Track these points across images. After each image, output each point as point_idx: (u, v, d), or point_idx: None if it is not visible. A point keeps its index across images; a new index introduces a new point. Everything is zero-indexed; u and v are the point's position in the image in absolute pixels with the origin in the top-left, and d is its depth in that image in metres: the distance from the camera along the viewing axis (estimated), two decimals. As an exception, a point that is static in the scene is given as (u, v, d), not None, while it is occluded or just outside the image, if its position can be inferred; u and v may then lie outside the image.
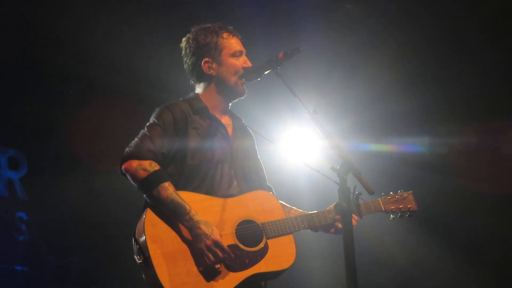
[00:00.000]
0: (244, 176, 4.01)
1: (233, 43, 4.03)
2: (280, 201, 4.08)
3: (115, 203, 7.06)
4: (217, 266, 3.61)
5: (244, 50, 4.05)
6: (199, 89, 4.10)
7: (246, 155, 4.08)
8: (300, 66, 6.68)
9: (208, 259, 3.59)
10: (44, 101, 7.25)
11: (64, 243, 7.27)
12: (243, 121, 4.19)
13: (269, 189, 4.15)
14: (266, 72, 3.84)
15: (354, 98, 7.49)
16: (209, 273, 3.61)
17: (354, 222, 3.57)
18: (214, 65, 4.01)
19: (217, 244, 3.58)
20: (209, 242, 3.57)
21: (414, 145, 7.64)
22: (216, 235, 3.59)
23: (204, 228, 3.59)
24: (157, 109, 3.94)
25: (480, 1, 6.61)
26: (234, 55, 4.01)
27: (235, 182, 3.93)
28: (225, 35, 4.03)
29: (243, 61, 4.01)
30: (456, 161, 7.33)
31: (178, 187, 3.74)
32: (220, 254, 3.59)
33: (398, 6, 6.82)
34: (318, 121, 3.39)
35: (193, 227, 3.60)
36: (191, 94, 4.10)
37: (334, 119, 7.21)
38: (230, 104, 4.12)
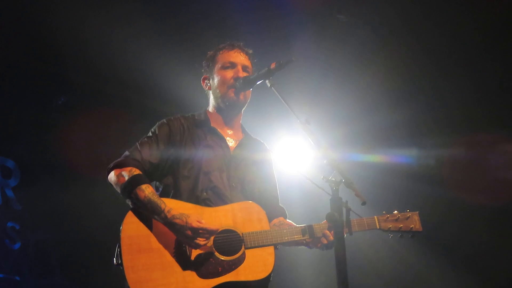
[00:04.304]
0: (243, 188, 4.05)
1: (225, 56, 4.16)
2: (288, 220, 4.13)
3: (108, 213, 7.03)
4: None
5: (237, 62, 4.13)
6: (208, 105, 4.26)
7: (248, 168, 4.12)
8: (292, 76, 6.70)
9: (196, 246, 3.64)
10: (38, 110, 7.23)
11: (49, 263, 7.25)
12: (254, 137, 4.29)
13: (280, 209, 4.21)
14: (258, 82, 3.89)
15: (345, 109, 7.51)
16: (181, 277, 3.63)
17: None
18: (209, 81, 4.21)
19: (195, 230, 3.62)
20: (188, 232, 3.62)
21: (403, 156, 7.67)
22: (191, 222, 3.62)
23: (179, 221, 3.63)
24: (157, 123, 4.10)
25: (469, 17, 6.66)
26: (224, 66, 4.13)
27: (229, 194, 3.97)
28: (221, 51, 4.20)
29: (233, 72, 4.08)
30: (445, 172, 7.36)
31: (172, 196, 3.88)
32: (205, 235, 3.64)
33: (389, 20, 6.87)
34: (310, 131, 3.41)
35: (169, 224, 3.66)
36: (201, 110, 4.25)
37: (326, 130, 7.22)
38: (237, 117, 4.21)
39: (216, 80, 4.13)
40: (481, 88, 7.15)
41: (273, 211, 4.11)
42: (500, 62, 6.94)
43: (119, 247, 3.66)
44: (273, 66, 3.73)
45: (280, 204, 4.25)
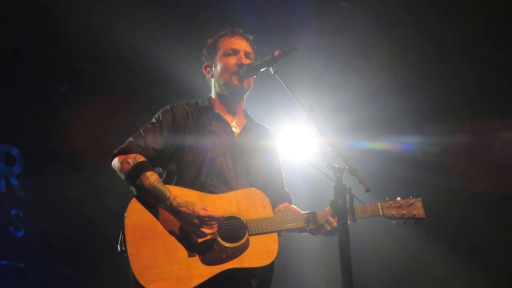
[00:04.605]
0: (248, 175, 4.05)
1: (227, 43, 4.14)
2: (293, 205, 4.15)
3: (112, 201, 7.05)
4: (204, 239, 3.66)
5: (240, 49, 4.11)
6: (211, 92, 4.24)
7: (253, 154, 4.11)
8: (296, 63, 6.69)
9: (202, 235, 3.64)
10: (41, 97, 7.23)
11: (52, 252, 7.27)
12: (258, 123, 4.28)
13: (286, 194, 4.22)
14: (262, 69, 3.88)
15: (349, 96, 7.50)
16: (185, 264, 3.64)
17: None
18: (212, 69, 4.18)
19: (202, 218, 3.62)
20: (195, 221, 3.62)
21: (407, 143, 7.66)
22: (198, 211, 3.62)
23: (185, 209, 3.64)
24: (160, 110, 4.08)
25: (472, 5, 6.64)
26: (226, 53, 4.11)
27: (234, 180, 3.96)
28: (223, 38, 4.17)
29: (236, 59, 4.07)
30: (449, 160, 7.36)
31: (175, 182, 3.87)
32: (212, 224, 3.64)
33: (393, 7, 6.85)
34: (314, 118, 3.41)
35: (174, 212, 3.66)
36: (204, 97, 4.23)
37: (330, 117, 7.22)
38: (240, 103, 4.20)
39: (218, 67, 4.11)
40: (485, 75, 7.14)
41: (278, 197, 4.13)
42: (503, 49, 6.92)
43: (123, 234, 3.66)
44: (277, 53, 3.71)
45: (285, 189, 4.26)
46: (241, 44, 4.12)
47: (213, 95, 4.21)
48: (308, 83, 7.14)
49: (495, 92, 7.23)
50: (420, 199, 4.08)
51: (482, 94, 7.28)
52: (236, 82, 4.04)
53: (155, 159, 3.93)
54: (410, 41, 7.13)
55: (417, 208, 4.04)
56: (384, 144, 7.69)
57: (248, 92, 4.16)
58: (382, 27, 7.06)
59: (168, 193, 3.68)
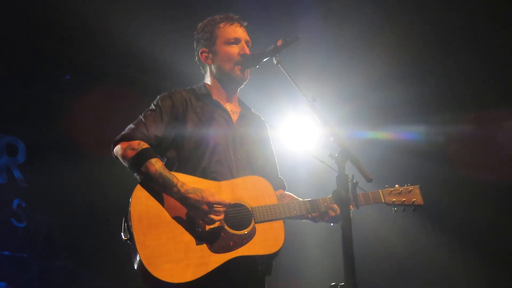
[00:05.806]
0: (249, 162, 4.04)
1: (228, 31, 4.10)
2: (288, 192, 4.15)
3: (113, 190, 7.06)
4: (215, 225, 3.62)
5: (241, 38, 4.10)
6: (205, 78, 4.20)
7: (252, 141, 4.11)
8: (298, 54, 6.66)
9: (211, 221, 3.60)
10: (43, 87, 7.21)
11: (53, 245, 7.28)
12: (252, 110, 4.26)
13: (280, 181, 4.21)
14: (264, 59, 3.86)
15: (352, 86, 7.47)
16: (193, 252, 3.60)
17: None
18: (210, 55, 4.13)
19: (211, 205, 3.59)
20: (204, 207, 3.58)
21: (411, 133, 7.64)
22: (207, 197, 3.59)
23: (193, 196, 3.60)
24: (158, 96, 4.04)
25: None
26: (228, 42, 4.08)
27: (235, 166, 3.95)
28: (222, 24, 4.13)
29: (238, 49, 4.06)
30: (454, 149, 7.34)
31: (176, 170, 3.82)
32: (220, 210, 3.61)
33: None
34: (317, 108, 3.38)
35: (182, 198, 3.62)
36: (199, 83, 4.19)
37: (333, 107, 7.19)
38: (237, 92, 4.18)
39: (220, 55, 4.08)
40: (490, 64, 7.09)
41: (274, 183, 4.09)
42: (509, 37, 6.87)
43: (129, 221, 3.60)
44: (279, 43, 3.70)
45: (279, 176, 4.25)
46: (241, 33, 4.11)
47: (209, 81, 4.17)
48: (311, 73, 7.11)
49: (500, 81, 7.19)
50: (418, 186, 4.12)
51: (487, 83, 7.23)
52: (239, 72, 4.04)
53: (156, 146, 3.88)
54: (414, 30, 7.09)
55: (416, 195, 4.08)
56: (388, 134, 7.66)
57: (246, 82, 4.15)
58: (386, 16, 7.02)
59: (175, 180, 3.64)
